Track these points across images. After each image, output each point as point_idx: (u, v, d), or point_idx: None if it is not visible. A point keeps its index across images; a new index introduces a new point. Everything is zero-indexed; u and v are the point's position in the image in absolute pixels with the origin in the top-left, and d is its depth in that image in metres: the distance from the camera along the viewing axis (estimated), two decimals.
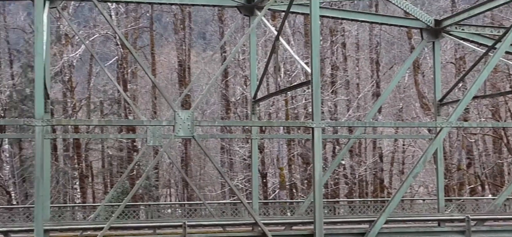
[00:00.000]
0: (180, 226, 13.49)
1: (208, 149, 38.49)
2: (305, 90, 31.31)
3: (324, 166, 18.36)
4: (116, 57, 36.14)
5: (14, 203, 28.44)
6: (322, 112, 29.67)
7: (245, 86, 33.55)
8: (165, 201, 40.34)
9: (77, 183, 32.17)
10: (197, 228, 14.45)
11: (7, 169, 29.92)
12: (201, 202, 21.04)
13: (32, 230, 12.99)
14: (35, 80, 12.76)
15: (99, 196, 40.35)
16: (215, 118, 39.33)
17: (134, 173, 33.77)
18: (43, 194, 12.79)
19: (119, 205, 19.20)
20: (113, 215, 14.11)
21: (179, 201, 39.48)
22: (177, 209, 24.74)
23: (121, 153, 39.79)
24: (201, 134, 28.80)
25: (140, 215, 21.45)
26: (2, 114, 29.59)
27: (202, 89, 38.56)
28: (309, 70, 13.69)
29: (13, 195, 29.30)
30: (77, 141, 33.84)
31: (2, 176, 30.32)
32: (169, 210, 25.66)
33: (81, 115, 36.84)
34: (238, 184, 32.38)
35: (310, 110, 13.91)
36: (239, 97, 35.42)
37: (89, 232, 14.86)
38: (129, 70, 36.46)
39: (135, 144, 36.07)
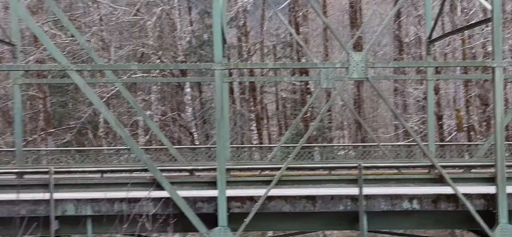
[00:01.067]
0: (355, 167, 13.59)
1: (381, 91, 38.05)
2: (483, 29, 29.86)
3: (505, 107, 17.51)
4: (288, 0, 36.50)
5: (197, 143, 30.02)
6: (503, 52, 28.16)
7: (419, 26, 32.59)
8: (338, 143, 40.58)
9: (254, 125, 33.24)
10: (371, 169, 14.48)
11: (189, 111, 31.59)
12: (375, 143, 20.96)
13: (214, 169, 13.73)
14: (213, 26, 13.31)
15: (274, 137, 41.45)
16: (388, 60, 38.69)
17: (308, 115, 34.25)
18: (223, 135, 13.42)
19: (294, 146, 19.65)
20: (290, 156, 14.51)
21: (352, 142, 39.55)
22: (350, 151, 24.82)
23: (294, 95, 40.46)
24: (374, 75, 28.53)
25: (314, 156, 21.79)
26: (184, 59, 31.14)
27: (373, 30, 37.97)
28: (489, 6, 13.05)
29: (195, 135, 30.93)
30: (253, 84, 34.85)
31: (185, 118, 32.11)
32: (342, 152, 25.81)
33: (255, 59, 37.80)
34: (412, 125, 31.82)
35: (490, 49, 13.27)
36: (412, 38, 34.45)
37: (266, 172, 15.41)
38: (300, 13, 36.71)
39: (308, 86, 36.48)
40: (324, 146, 23.15)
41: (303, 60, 35.55)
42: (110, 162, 21.21)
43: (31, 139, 32.01)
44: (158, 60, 31.34)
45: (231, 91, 34.32)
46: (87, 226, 13.24)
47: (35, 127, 34.32)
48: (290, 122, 40.08)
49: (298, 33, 35.21)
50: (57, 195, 13.01)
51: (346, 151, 23.52)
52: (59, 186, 13.24)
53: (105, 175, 15.56)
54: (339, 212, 13.64)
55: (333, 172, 15.23)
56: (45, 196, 12.80)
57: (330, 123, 37.73)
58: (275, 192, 13.34)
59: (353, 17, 38.66)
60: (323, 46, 41.89)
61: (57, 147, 29.98)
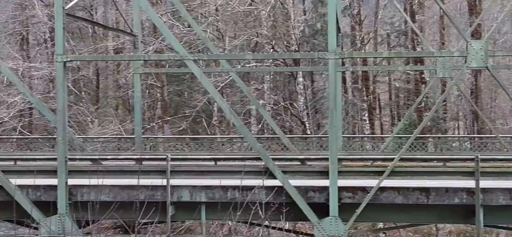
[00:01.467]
0: (471, 159, 13.21)
1: (501, 80, 36.60)
2: None
3: None
4: None
5: (308, 132, 30.08)
6: None
7: None
8: (453, 134, 39.42)
9: (366, 115, 32.90)
10: (489, 162, 14.01)
11: (301, 100, 31.70)
12: (493, 135, 20.22)
13: (326, 159, 13.74)
14: (328, 15, 13.30)
15: (386, 127, 40.84)
16: (509, 48, 37.10)
17: (422, 105, 33.50)
18: (336, 124, 13.40)
19: (408, 136, 19.30)
20: (403, 146, 14.29)
21: (467, 134, 38.29)
22: (466, 143, 24.06)
23: (408, 85, 39.66)
24: (493, 64, 27.44)
25: (428, 147, 21.32)
26: (297, 49, 31.27)
27: (494, 17, 36.51)
28: None
29: (307, 125, 31.02)
30: (366, 73, 34.48)
31: (297, 107, 32.25)
32: (456, 143, 25.06)
33: (368, 48, 37.35)
34: None
35: None
36: None
37: (378, 162, 15.25)
38: (416, 1, 35.88)
39: (423, 75, 35.65)
40: (439, 137, 22.60)
41: (418, 49, 34.74)
42: (223, 150, 21.67)
43: (149, 126, 33.22)
44: (272, 50, 31.62)
45: (344, 80, 34.10)
46: (201, 212, 13.60)
47: (153, 115, 35.58)
48: (403, 112, 39.34)
49: (413, 21, 34.42)
50: (173, 181, 13.46)
51: (461, 142, 22.82)
52: (175, 173, 13.69)
53: (218, 163, 15.96)
54: (454, 205, 13.30)
55: (448, 164, 14.84)
56: (162, 182, 13.28)
57: (445, 113, 36.70)
58: (387, 183, 13.19)
59: (472, 4, 37.32)
60: (439, 34, 40.73)
61: (173, 135, 30.95)
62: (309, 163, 15.45)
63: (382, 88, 42.68)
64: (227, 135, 29.80)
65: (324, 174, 13.31)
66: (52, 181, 13.52)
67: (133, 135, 21.16)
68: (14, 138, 27.88)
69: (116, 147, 21.74)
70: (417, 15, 36.13)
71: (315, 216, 13.13)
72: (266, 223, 13.78)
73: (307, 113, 31.75)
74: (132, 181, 13.44)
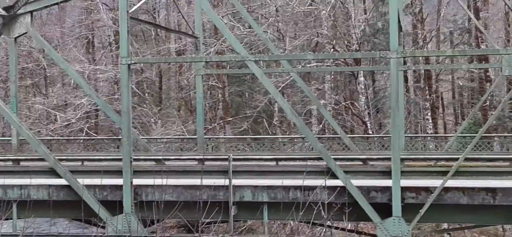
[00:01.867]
0: None
1: None
2: None
3: None
4: None
5: (370, 132, 29.85)
6: None
7: None
8: None
9: (429, 114, 32.42)
10: None
11: (362, 100, 31.48)
12: None
13: (388, 158, 13.65)
14: (390, 14, 13.17)
15: (450, 127, 40.14)
16: None
17: (487, 103, 32.79)
18: (398, 124, 13.26)
19: (472, 136, 18.96)
20: (467, 146, 14.05)
21: None
22: None
23: (472, 84, 38.87)
24: None
25: (494, 147, 20.87)
26: (357, 48, 31.08)
27: None
28: None
29: (368, 124, 30.79)
30: (428, 72, 33.97)
31: (358, 107, 32.04)
32: None
33: (430, 46, 36.78)
34: None
35: None
36: None
37: (442, 162, 15.04)
38: None
39: (487, 73, 34.88)
40: (505, 136, 22.08)
41: (482, 46, 34.01)
42: (285, 150, 21.73)
43: (211, 127, 33.56)
44: (332, 49, 31.51)
45: (406, 79, 33.70)
46: (264, 212, 13.68)
47: (215, 116, 35.93)
48: (467, 111, 38.58)
49: (477, 18, 33.72)
50: (236, 181, 13.57)
51: None
52: (237, 173, 13.80)
53: (280, 163, 16.04)
54: None
55: None
56: (225, 182, 13.41)
57: (511, 112, 35.82)
58: (452, 183, 12.98)
59: None
60: (504, 31, 39.75)
61: (235, 135, 31.19)
62: (371, 162, 15.37)
63: (445, 87, 41.96)
64: (288, 135, 29.85)
65: (387, 174, 13.20)
66: (118, 181, 13.84)
67: (195, 136, 21.44)
68: (81, 139, 28.62)
69: (178, 148, 22.08)
70: (481, 12, 35.40)
71: (378, 216, 13.04)
72: (328, 223, 13.77)
73: (369, 113, 31.50)
74: (195, 181, 13.63)
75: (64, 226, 17.01)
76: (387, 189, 13.05)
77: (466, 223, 15.42)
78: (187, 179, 13.87)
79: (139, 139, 20.62)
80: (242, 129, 34.14)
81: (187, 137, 27.54)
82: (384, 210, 13.06)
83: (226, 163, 13.83)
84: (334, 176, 13.00)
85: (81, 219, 15.42)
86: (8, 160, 16.16)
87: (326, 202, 8.14)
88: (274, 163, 15.95)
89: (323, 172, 13.20)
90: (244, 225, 25.25)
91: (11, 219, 13.54)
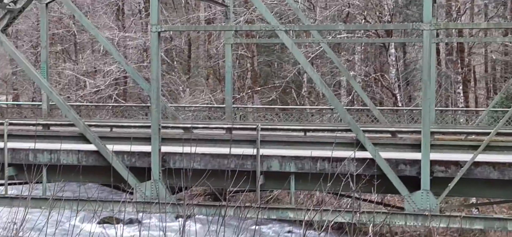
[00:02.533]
0: None
1: None
2: None
3: None
4: None
5: (399, 105, 29.59)
6: None
7: None
8: None
9: (460, 87, 32.01)
10: None
11: (393, 72, 31.16)
12: None
13: (417, 131, 13.54)
14: None
15: (481, 101, 39.58)
16: None
17: None
18: (429, 97, 13.10)
19: (505, 110, 18.66)
20: (499, 121, 13.83)
21: None
22: None
23: (506, 57, 38.22)
24: None
25: None
26: (389, 19, 30.71)
27: None
28: None
29: (398, 97, 30.51)
30: (461, 45, 33.46)
31: (388, 79, 31.74)
32: None
33: (464, 19, 36.18)
34: None
35: None
36: None
37: (473, 137, 14.84)
38: None
39: None
40: None
41: None
42: (313, 121, 21.64)
43: (239, 96, 33.55)
44: (363, 20, 31.18)
45: (438, 52, 33.23)
46: (291, 183, 13.66)
47: (243, 85, 35.90)
48: (500, 85, 38.00)
49: None
50: (263, 151, 13.56)
51: None
52: (265, 143, 13.78)
53: (308, 134, 15.97)
54: None
55: None
56: (252, 151, 13.40)
57: None
58: (482, 157, 12.81)
59: None
60: None
61: (263, 105, 31.15)
62: (400, 135, 15.23)
63: (478, 61, 41.33)
64: (316, 106, 29.73)
65: (416, 147, 13.07)
66: (146, 148, 13.91)
67: (223, 105, 21.46)
68: (109, 105, 28.84)
69: (206, 116, 22.13)
70: None
71: (406, 189, 12.94)
72: (356, 195, 13.70)
73: (399, 85, 31.19)
74: (223, 150, 13.65)
75: (93, 191, 17.19)
76: (416, 162, 12.94)
77: (495, 198, 15.26)
78: (215, 147, 13.90)
79: (168, 107, 20.69)
80: (270, 99, 34.09)
81: (215, 106, 27.58)
82: (413, 183, 12.96)
83: (254, 132, 13.82)
84: (362, 148, 12.91)
85: (109, 184, 15.57)
86: (39, 124, 16.33)
87: (355, 174, 8.04)
88: (302, 133, 15.88)
89: (352, 144, 13.12)
90: (270, 195, 25.31)
91: (41, 182, 13.71)
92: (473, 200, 21.48)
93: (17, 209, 9.88)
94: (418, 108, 20.83)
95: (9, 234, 9.02)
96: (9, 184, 14.39)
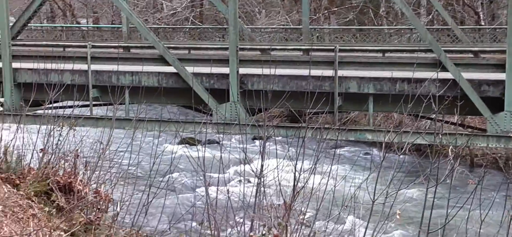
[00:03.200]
0: None
1: None
2: None
3: None
4: None
5: (482, 23, 28.60)
6: None
7: None
8: None
9: None
10: None
11: None
12: None
13: (501, 51, 13.12)
14: None
15: None
16: None
17: None
18: None
19: None
20: None
21: None
22: None
23: None
24: None
25: None
26: None
27: None
28: None
29: (481, 15, 29.46)
30: None
31: None
32: None
33: None
34: None
35: None
36: None
37: None
38: None
39: None
40: None
41: None
42: (391, 41, 21.26)
43: (316, 17, 33.18)
44: None
45: None
46: (369, 104, 13.57)
47: (319, 6, 35.40)
48: None
49: None
50: (341, 72, 13.47)
51: None
52: (343, 64, 13.66)
53: (386, 55, 15.72)
54: None
55: None
56: (330, 73, 13.33)
57: None
58: None
59: None
60: None
61: (340, 26, 30.75)
62: (482, 55, 14.78)
63: None
64: (394, 26, 29.11)
65: (500, 67, 12.68)
66: (224, 70, 14.05)
67: (300, 26, 21.30)
68: (186, 27, 29.11)
69: (283, 38, 22.07)
70: None
71: (488, 110, 12.65)
72: (434, 116, 13.50)
73: (481, 3, 30.06)
74: (301, 71, 13.63)
75: (174, 113, 17.59)
76: (500, 82, 12.59)
77: None
78: (292, 69, 13.89)
79: (244, 28, 20.69)
80: (347, 19, 33.57)
81: (292, 27, 27.42)
82: (496, 105, 12.64)
83: (332, 53, 13.70)
84: (444, 69, 12.63)
85: (189, 106, 15.86)
86: (120, 47, 16.68)
87: (437, 95, 7.91)
88: (380, 54, 15.64)
89: (432, 64, 12.84)
90: (347, 117, 25.23)
91: (124, 104, 14.11)
92: None
93: (102, 129, 10.27)
94: (502, 27, 20.10)
95: (97, 151, 9.40)
96: (94, 105, 14.89)
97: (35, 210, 7.31)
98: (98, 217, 7.79)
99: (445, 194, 7.19)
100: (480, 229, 7.09)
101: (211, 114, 14.08)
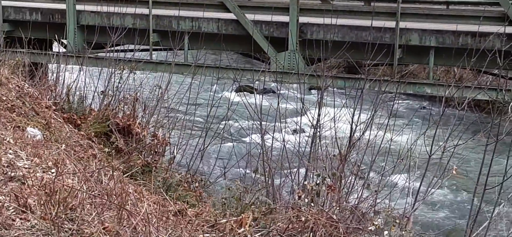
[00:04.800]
0: None
1: None
2: None
3: None
4: None
5: None
6: None
7: None
8: None
9: None
10: None
11: None
12: None
13: None
14: None
15: None
16: None
17: None
18: None
19: None
20: None
21: None
22: None
23: None
24: None
25: None
26: None
27: None
28: None
29: None
30: None
31: None
32: None
33: None
34: None
35: None
36: None
37: None
38: None
39: None
40: None
41: None
42: None
43: None
44: None
45: None
46: (430, 57, 13.31)
47: None
48: None
49: None
50: (402, 24, 13.22)
51: None
52: (405, 15, 13.39)
53: (450, 7, 15.35)
54: None
55: None
56: (391, 24, 13.10)
57: None
58: None
59: None
60: None
61: None
62: None
63: None
64: None
65: None
66: (284, 18, 13.95)
67: None
68: None
69: None
70: None
71: None
72: (496, 72, 13.15)
73: None
74: (361, 22, 13.43)
75: (232, 60, 17.65)
76: None
77: None
78: (353, 19, 13.70)
79: None
80: None
81: None
82: None
83: (394, 4, 13.44)
84: (510, 23, 12.24)
85: (247, 54, 15.88)
86: None
87: (503, 49, 7.70)
88: (444, 6, 15.27)
89: (498, 18, 12.47)
90: (406, 70, 24.80)
91: (183, 49, 14.22)
92: None
93: (161, 74, 10.39)
94: None
95: (155, 96, 9.54)
96: (154, 50, 15.05)
97: (95, 150, 7.50)
98: (155, 160, 7.95)
99: (505, 152, 7.05)
100: None
101: (269, 63, 14.07)
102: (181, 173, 8.36)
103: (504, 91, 8.90)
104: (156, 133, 8.71)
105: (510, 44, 9.70)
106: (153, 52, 14.96)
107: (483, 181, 6.99)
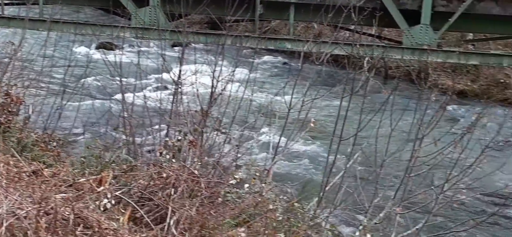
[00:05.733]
0: None
1: None
2: None
3: None
4: None
5: None
6: None
7: None
8: None
9: None
10: None
11: None
12: None
13: None
14: None
15: None
16: None
17: None
18: None
19: None
20: None
21: None
22: None
23: None
24: None
25: None
26: None
27: None
28: None
29: None
30: None
31: None
32: None
33: None
34: None
35: None
36: None
37: None
38: None
39: None
40: None
41: None
42: None
43: None
44: None
45: None
46: (290, 13, 13.51)
47: None
48: None
49: None
50: None
51: None
52: None
53: None
54: None
55: None
56: None
57: None
58: None
59: None
60: None
61: None
62: None
63: None
64: None
65: None
66: None
67: None
68: None
69: None
70: None
71: (406, 23, 12.85)
72: (353, 27, 13.62)
73: None
74: None
75: (91, 15, 17.07)
76: None
77: (494, 34, 15.17)
78: None
79: None
80: None
81: None
82: (414, 17, 12.85)
83: None
84: None
85: (107, 9, 15.38)
86: None
87: (357, 6, 7.97)
88: None
89: None
90: (268, 26, 25.16)
91: (38, 4, 13.54)
92: (470, 36, 21.51)
93: (14, 30, 9.87)
94: None
95: (8, 53, 9.05)
96: (6, 4, 14.22)
97: None
98: (8, 120, 7.57)
99: (360, 104, 7.34)
100: (390, 136, 7.31)
101: (130, 19, 13.72)
102: (38, 132, 8.03)
103: (358, 46, 9.24)
104: (9, 91, 8.28)
105: (364, 0, 10.05)
106: (5, 6, 14.13)
107: (339, 133, 7.24)
